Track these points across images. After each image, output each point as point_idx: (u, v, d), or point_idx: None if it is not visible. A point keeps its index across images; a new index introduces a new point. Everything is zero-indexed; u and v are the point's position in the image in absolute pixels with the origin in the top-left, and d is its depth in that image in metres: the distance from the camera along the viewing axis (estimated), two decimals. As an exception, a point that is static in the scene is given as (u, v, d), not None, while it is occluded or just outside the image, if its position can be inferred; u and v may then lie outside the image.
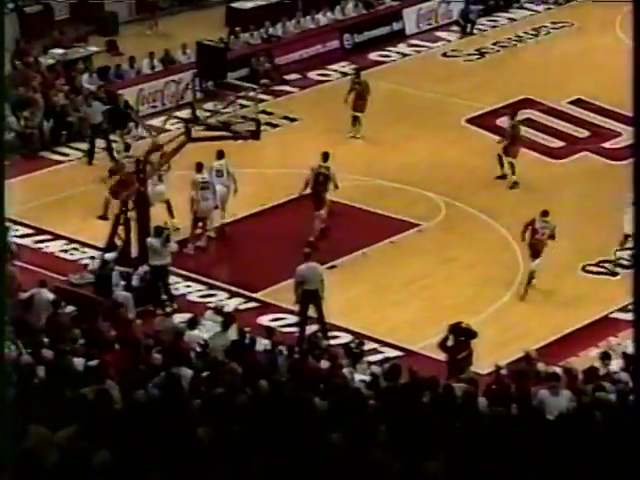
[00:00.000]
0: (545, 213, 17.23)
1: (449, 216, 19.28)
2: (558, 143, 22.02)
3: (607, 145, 21.72)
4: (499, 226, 18.85)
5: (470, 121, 22.90)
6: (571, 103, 23.28)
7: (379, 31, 27.53)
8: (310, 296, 15.98)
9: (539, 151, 21.74)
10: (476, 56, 26.11)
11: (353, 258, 18.18)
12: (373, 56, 26.49)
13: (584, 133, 22.24)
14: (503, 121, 21.67)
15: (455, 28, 28.16)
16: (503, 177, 20.31)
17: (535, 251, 16.94)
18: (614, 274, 17.51)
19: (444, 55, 26.50)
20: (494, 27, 28.20)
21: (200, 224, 18.36)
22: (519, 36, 27.42)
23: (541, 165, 21.33)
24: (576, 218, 19.04)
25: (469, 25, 28.06)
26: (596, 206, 19.51)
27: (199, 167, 18.45)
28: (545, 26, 27.64)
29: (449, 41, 27.52)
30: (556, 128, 22.54)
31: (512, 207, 19.44)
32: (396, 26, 27.92)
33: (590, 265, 17.66)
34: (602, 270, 17.61)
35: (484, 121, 22.74)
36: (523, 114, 22.91)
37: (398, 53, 26.90)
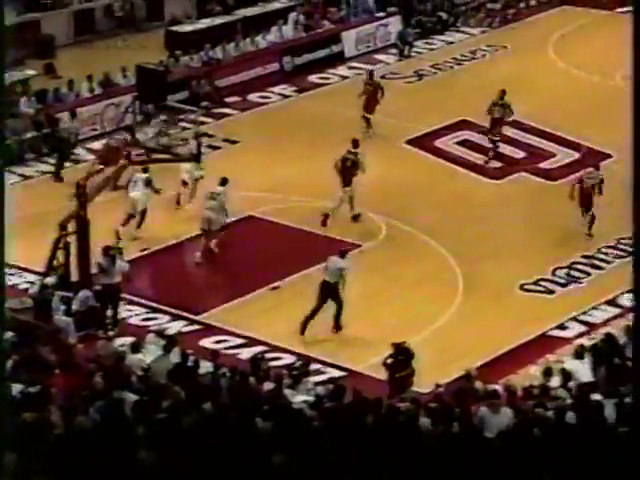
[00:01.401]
0: (597, 167, 19.40)
1: (390, 236, 19.43)
2: (495, 164, 22.33)
3: (543, 165, 22.07)
4: (439, 245, 19.03)
5: (410, 142, 23.13)
6: (507, 124, 23.61)
7: (318, 53, 27.73)
8: (328, 288, 16.33)
9: (477, 171, 22.02)
10: (414, 78, 26.39)
11: (296, 279, 18.21)
12: (313, 78, 26.66)
13: (520, 154, 22.56)
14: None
15: (393, 51, 28.48)
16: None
17: (585, 203, 18.69)
18: (551, 292, 17.77)
19: (383, 77, 26.71)
20: (431, 50, 28.55)
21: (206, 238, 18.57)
22: (456, 58, 27.80)
23: (479, 185, 21.60)
24: (514, 237, 19.30)
25: (407, 48, 28.39)
26: (533, 225, 19.80)
27: (223, 181, 18.80)
28: (481, 49, 28.04)
29: (388, 63, 27.79)
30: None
31: (451, 227, 19.65)
32: (335, 48, 28.14)
33: (528, 284, 17.90)
34: (540, 289, 17.86)
35: (423, 142, 22.99)
36: (462, 135, 23.23)
37: (338, 75, 27.10)
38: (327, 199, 20.66)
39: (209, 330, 16.85)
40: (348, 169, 19.58)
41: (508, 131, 23.31)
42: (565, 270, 18.18)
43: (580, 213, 19.00)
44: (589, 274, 18.12)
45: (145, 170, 18.85)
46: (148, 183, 19.02)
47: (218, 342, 16.47)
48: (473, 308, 17.24)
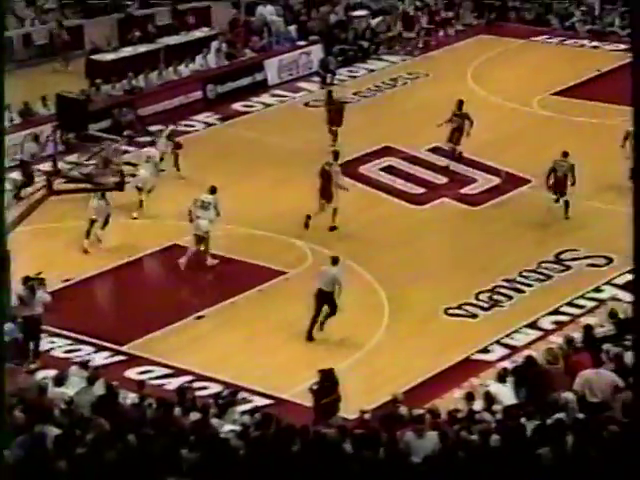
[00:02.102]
0: (565, 154, 20.65)
1: (316, 263, 19.46)
2: (418, 190, 22.53)
3: (464, 191, 22.33)
4: (364, 271, 19.11)
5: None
6: (429, 150, 23.90)
7: (242, 81, 27.78)
8: (324, 296, 16.97)
9: (401, 197, 22.19)
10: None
11: (222, 307, 18.13)
12: (237, 106, 26.67)
13: (442, 180, 22.81)
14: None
15: (316, 78, 28.66)
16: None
17: (560, 190, 20.40)
18: (474, 316, 17.95)
19: (306, 105, 26.88)
20: (353, 77, 28.81)
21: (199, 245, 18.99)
22: (378, 86, 28.07)
23: (403, 211, 21.77)
24: (437, 262, 19.48)
25: (329, 75, 28.59)
26: (456, 250, 20.01)
27: (212, 190, 19.35)
28: (402, 76, 28.35)
29: (311, 91, 27.95)
30: (416, 175, 23.06)
31: (376, 252, 19.76)
32: (258, 76, 28.23)
33: (452, 308, 18.06)
34: (463, 313, 18.03)
35: (347, 169, 23.08)
36: (385, 162, 23.42)
37: (261, 103, 27.17)
38: (252, 226, 20.65)
39: (134, 360, 16.66)
40: (326, 180, 20.23)
41: (429, 157, 23.59)
42: (488, 294, 18.39)
43: (554, 201, 20.51)
44: (511, 297, 18.35)
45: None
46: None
47: (143, 372, 16.28)
48: (399, 333, 17.33)
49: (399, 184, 22.59)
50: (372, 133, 24.68)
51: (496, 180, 22.56)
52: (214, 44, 28.78)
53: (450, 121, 23.00)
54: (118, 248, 19.46)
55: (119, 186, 18.91)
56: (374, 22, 31.14)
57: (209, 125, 25.85)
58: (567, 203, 20.49)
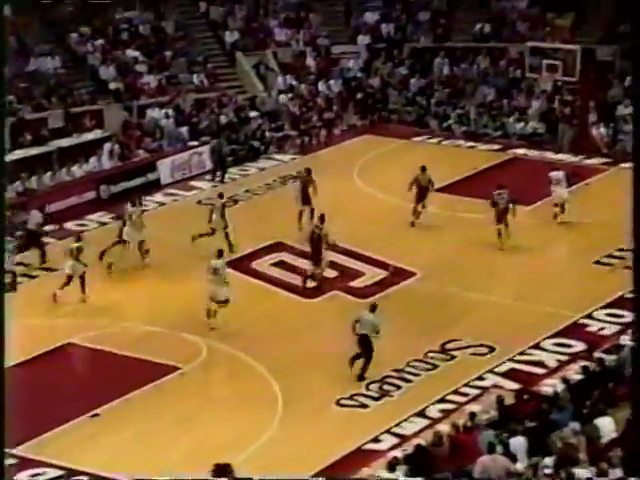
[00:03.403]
0: (501, 187, 23.54)
1: (211, 357, 19.50)
2: (310, 283, 22.82)
3: (353, 284, 22.74)
4: (258, 364, 19.22)
5: (228, 264, 23.42)
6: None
7: (135, 182, 27.97)
8: (364, 340, 18.34)
9: (293, 291, 22.45)
10: (230, 203, 26.89)
11: (117, 405, 17.97)
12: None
13: (333, 273, 23.20)
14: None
15: (208, 177, 29.08)
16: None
17: (503, 220, 23.51)
18: (365, 406, 18.17)
19: (199, 202, 27.18)
20: (245, 176, 29.29)
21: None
22: (268, 184, 28.58)
23: (295, 304, 22.01)
24: (329, 353, 19.72)
25: (221, 174, 29.04)
26: (346, 341, 20.25)
27: (219, 253, 20.92)
28: (291, 174, 28.94)
29: (203, 189, 28.30)
30: (308, 269, 23.38)
31: (269, 345, 19.91)
32: (151, 176, 28.48)
33: (344, 398, 18.26)
34: (354, 403, 18.23)
35: (241, 264, 23.35)
36: (277, 257, 23.73)
37: (154, 202, 27.36)
38: (146, 322, 20.62)
39: (26, 463, 16.29)
40: (316, 241, 21.83)
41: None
42: (378, 384, 18.67)
43: (498, 231, 23.47)
44: (400, 387, 18.66)
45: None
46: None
47: (35, 475, 15.96)
48: (293, 424, 17.42)
49: (291, 278, 22.89)
50: (264, 229, 25.03)
51: (383, 273, 23.07)
52: (107, 146, 29.00)
53: (414, 183, 24.67)
54: (17, 346, 19.16)
55: (11, 286, 18.82)
56: (262, 122, 31.90)
57: (102, 224, 25.88)
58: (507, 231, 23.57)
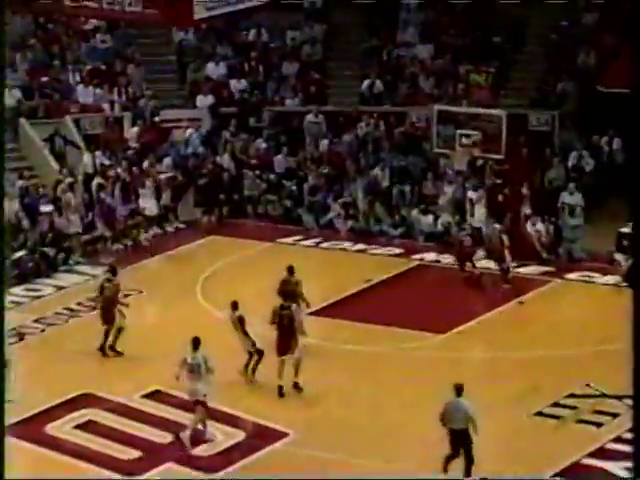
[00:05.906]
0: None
1: None
2: (133, 454, 22.33)
3: (196, 452, 22.31)
4: None
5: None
6: (146, 397, 23.96)
7: None
8: (457, 436, 19.91)
9: (106, 466, 21.84)
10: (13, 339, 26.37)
11: None
12: None
13: (167, 437, 22.77)
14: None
15: None
16: None
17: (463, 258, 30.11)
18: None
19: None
20: (36, 298, 29.02)
21: None
22: (70, 309, 28.37)
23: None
24: None
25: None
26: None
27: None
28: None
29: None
30: (129, 432, 22.92)
31: None
32: None
33: None
34: None
35: (28, 428, 22.74)
36: (83, 416, 23.22)
37: None
38: None
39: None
40: (287, 326, 23.86)
41: (145, 405, 23.60)
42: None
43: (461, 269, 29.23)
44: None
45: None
46: None
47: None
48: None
49: (103, 446, 22.37)
50: (65, 376, 24.58)
51: (240, 435, 22.79)
52: None
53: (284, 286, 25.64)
54: None
55: None
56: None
57: None
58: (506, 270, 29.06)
